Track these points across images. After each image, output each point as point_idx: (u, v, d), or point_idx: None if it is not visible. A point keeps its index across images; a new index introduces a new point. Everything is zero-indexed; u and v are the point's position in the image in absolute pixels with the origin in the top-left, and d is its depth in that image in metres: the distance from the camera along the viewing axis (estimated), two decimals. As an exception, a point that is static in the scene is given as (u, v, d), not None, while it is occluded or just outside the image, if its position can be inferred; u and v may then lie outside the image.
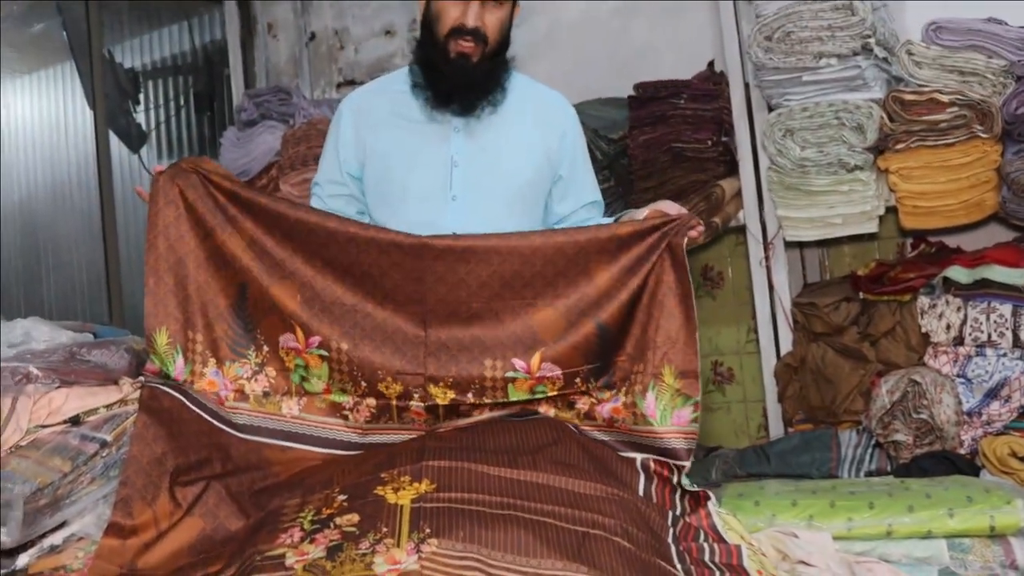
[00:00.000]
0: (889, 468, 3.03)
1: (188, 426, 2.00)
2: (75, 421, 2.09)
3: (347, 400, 2.12)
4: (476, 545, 1.61)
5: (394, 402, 2.10)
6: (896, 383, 3.13)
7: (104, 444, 2.04)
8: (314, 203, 2.45)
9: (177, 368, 2.06)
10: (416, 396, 2.10)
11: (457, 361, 2.01)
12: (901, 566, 2.13)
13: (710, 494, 2.05)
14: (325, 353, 2.11)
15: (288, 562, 1.62)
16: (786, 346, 3.70)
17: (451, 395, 2.04)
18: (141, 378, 2.21)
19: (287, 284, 2.08)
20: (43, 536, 1.96)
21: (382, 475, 1.79)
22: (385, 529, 1.65)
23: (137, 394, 2.17)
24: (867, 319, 3.39)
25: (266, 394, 2.11)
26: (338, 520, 1.69)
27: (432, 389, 2.06)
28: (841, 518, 2.27)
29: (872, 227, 3.44)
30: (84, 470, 1.99)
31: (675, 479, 2.01)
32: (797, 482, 2.67)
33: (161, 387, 2.04)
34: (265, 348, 2.14)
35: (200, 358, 2.07)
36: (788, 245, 3.78)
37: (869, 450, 3.10)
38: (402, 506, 1.71)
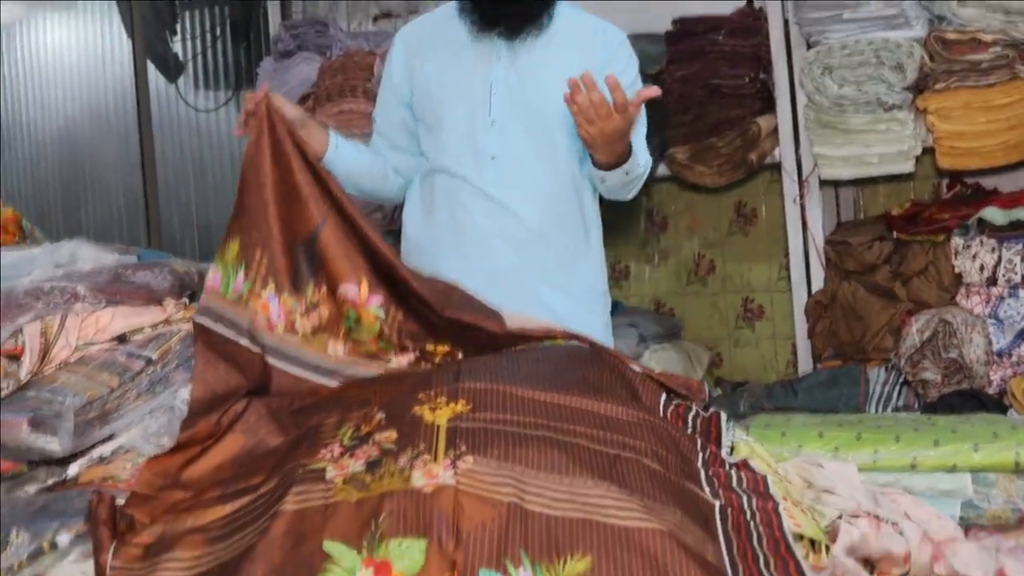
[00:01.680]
0: (916, 406, 3.05)
1: (237, 358, 2.05)
2: (122, 339, 2.15)
3: (392, 352, 2.18)
4: (510, 463, 1.65)
5: (438, 359, 2.17)
6: (927, 322, 3.13)
7: (149, 361, 2.10)
8: (374, 138, 2.49)
9: (237, 282, 2.09)
10: (461, 354, 2.16)
11: None
12: (925, 498, 2.15)
13: (722, 417, 2.09)
14: (382, 315, 2.15)
15: (329, 475, 1.67)
16: (817, 284, 3.71)
17: None
18: (185, 299, 2.26)
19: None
20: (92, 447, 2.02)
21: (419, 395, 1.84)
22: (422, 445, 1.69)
23: (180, 314, 2.23)
24: (899, 258, 3.39)
25: (315, 331, 2.15)
26: (377, 437, 1.74)
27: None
28: (867, 450, 2.29)
29: (908, 167, 3.43)
30: (131, 386, 2.05)
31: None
32: (824, 415, 2.70)
33: (213, 327, 2.07)
34: (324, 289, 2.17)
35: (261, 280, 2.11)
36: (823, 183, 3.78)
37: (897, 387, 3.12)
38: (439, 425, 1.75)
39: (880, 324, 3.31)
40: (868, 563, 1.91)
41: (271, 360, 2.10)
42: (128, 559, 1.69)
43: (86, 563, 1.76)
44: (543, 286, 2.58)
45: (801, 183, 3.71)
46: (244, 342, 2.08)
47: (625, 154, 2.45)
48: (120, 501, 1.83)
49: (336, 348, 2.15)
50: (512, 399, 1.83)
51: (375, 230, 2.20)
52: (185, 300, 2.31)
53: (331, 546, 1.57)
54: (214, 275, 2.11)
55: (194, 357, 2.04)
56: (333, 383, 2.11)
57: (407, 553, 1.55)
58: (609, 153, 2.40)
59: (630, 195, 2.65)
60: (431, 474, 1.63)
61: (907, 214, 3.46)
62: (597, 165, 2.48)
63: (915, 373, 3.07)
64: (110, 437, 2.04)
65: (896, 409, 3.05)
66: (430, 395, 1.83)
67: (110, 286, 2.22)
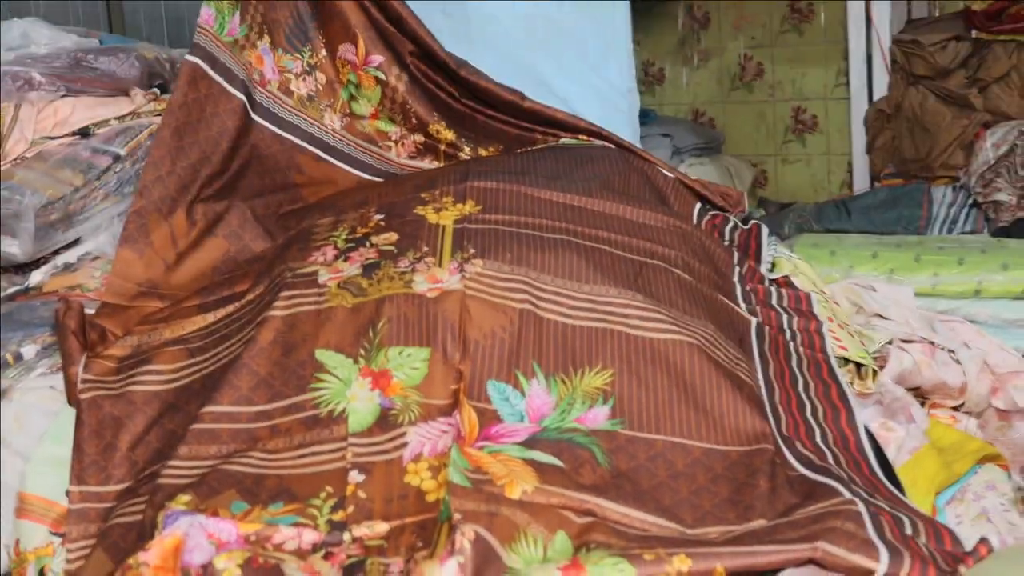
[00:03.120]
0: (986, 231, 3.05)
1: (220, 121, 2.02)
2: (84, 133, 2.15)
3: (394, 130, 2.18)
4: (524, 267, 1.67)
5: (443, 147, 2.16)
6: (1004, 135, 3.10)
7: (117, 158, 2.10)
8: None
9: (232, 24, 2.05)
10: (467, 149, 2.14)
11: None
12: (987, 328, 2.19)
13: (763, 230, 2.10)
14: (382, 76, 2.19)
15: (321, 279, 1.69)
16: (880, 91, 3.66)
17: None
18: (155, 89, 2.25)
19: None
20: (56, 253, 2.05)
21: (422, 195, 1.85)
22: (426, 248, 1.72)
23: (150, 106, 2.22)
24: (978, 62, 3.33)
25: (311, 98, 2.15)
26: (375, 239, 1.76)
27: (482, 151, 2.11)
28: (926, 272, 2.32)
29: (996, -50, 3.32)
30: (97, 185, 2.06)
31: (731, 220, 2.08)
32: (880, 237, 2.71)
33: (204, 67, 2.01)
34: (323, 52, 2.21)
35: (257, 28, 2.10)
36: (895, -28, 3.67)
37: (965, 209, 3.12)
38: (444, 226, 1.76)
39: (950, 137, 3.27)
40: (919, 393, 1.96)
41: (260, 120, 2.09)
42: (101, 372, 1.73)
43: (55, 377, 1.81)
44: (556, 77, 2.55)
45: (868, -28, 3.63)
46: (238, 96, 2.06)
47: None
48: (89, 310, 1.86)
49: (333, 120, 2.15)
50: (527, 200, 1.83)
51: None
52: (155, 91, 2.29)
53: (324, 355, 1.60)
54: (207, 11, 2.06)
55: (168, 110, 1.97)
56: (328, 158, 2.11)
57: (408, 362, 1.58)
58: None
59: None
60: (435, 279, 1.65)
61: (991, 10, 3.37)
62: None
63: (986, 193, 3.06)
64: (75, 242, 2.06)
65: (963, 234, 3.05)
66: (435, 195, 1.84)
67: (69, 73, 2.20)
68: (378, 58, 2.19)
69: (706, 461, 1.52)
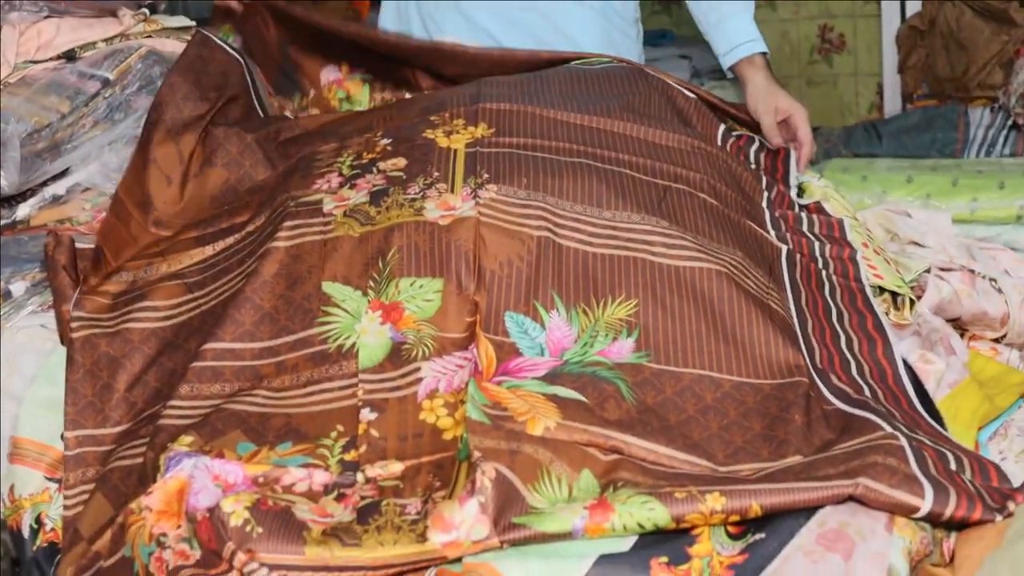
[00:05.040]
0: (1026, 154, 3.03)
1: (232, 67, 2.12)
2: (70, 56, 2.11)
3: None
4: (541, 192, 1.65)
5: None
6: (1046, 52, 3.06)
7: (107, 83, 2.07)
8: None
9: None
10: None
11: None
12: (1030, 255, 2.17)
13: (791, 153, 2.08)
14: (368, 76, 2.30)
15: (326, 208, 1.67)
16: (914, 6, 3.62)
17: None
18: (144, 9, 2.22)
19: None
20: (44, 185, 2.04)
21: (431, 118, 1.82)
22: (437, 173, 1.69)
23: (140, 27, 2.19)
24: (1019, -27, 3.27)
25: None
26: (382, 165, 1.73)
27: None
28: (964, 197, 2.30)
29: None
30: (85, 112, 2.04)
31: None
32: (914, 160, 2.68)
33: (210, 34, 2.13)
34: (311, 92, 2.32)
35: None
36: None
37: (1004, 132, 3.09)
38: (455, 150, 1.73)
39: (989, 55, 3.23)
40: (959, 324, 1.94)
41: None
42: (94, 309, 1.72)
43: (46, 315, 1.80)
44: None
45: None
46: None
47: None
48: (80, 244, 1.85)
49: None
50: (543, 122, 1.80)
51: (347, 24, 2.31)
52: (145, 11, 2.25)
53: (332, 287, 1.59)
54: None
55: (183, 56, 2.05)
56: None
57: (421, 294, 1.56)
58: None
59: None
60: (447, 205, 1.63)
61: (1033, -83, 3.32)
62: None
63: (1027, 114, 3.04)
64: (64, 173, 2.04)
65: (1002, 157, 3.02)
66: (444, 118, 1.81)
67: (52, -8, 2.17)
68: (361, 70, 2.31)
69: (737, 395, 1.50)
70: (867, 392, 1.54)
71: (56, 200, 2.04)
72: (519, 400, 1.46)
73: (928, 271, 1.95)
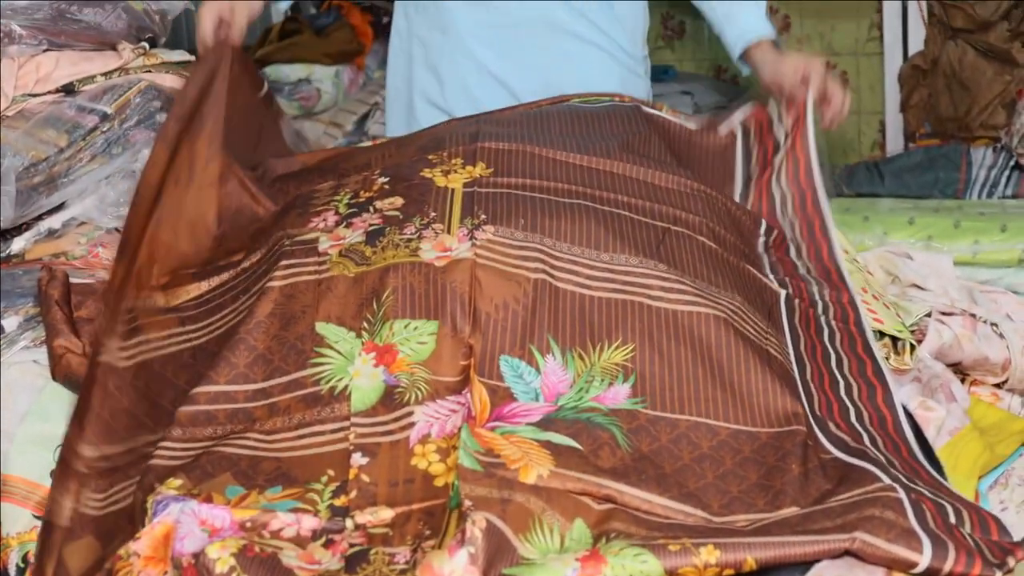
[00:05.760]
0: (1029, 194, 3.03)
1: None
2: (69, 90, 2.11)
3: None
4: (539, 234, 1.64)
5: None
6: (1049, 93, 3.06)
7: (105, 117, 2.07)
8: None
9: None
10: None
11: None
12: (1032, 299, 2.16)
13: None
14: None
15: (322, 247, 1.66)
16: (916, 45, 3.62)
17: None
18: (144, 43, 2.22)
19: None
20: (40, 219, 2.03)
21: (429, 157, 1.81)
22: (434, 214, 1.68)
23: (139, 61, 2.19)
24: (1022, 14, 3.28)
25: None
26: (379, 204, 1.72)
27: None
28: (966, 240, 2.29)
29: None
30: (83, 145, 2.04)
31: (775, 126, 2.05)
32: (916, 201, 2.68)
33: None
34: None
35: None
36: (931, -83, 3.61)
37: (1006, 172, 3.09)
38: (453, 189, 1.72)
39: (991, 95, 3.24)
40: (959, 370, 1.93)
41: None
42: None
43: (39, 350, 1.79)
44: (567, 40, 2.48)
45: (904, -84, 3.59)
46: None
47: None
48: (75, 279, 1.84)
49: None
50: (542, 162, 1.80)
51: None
52: (144, 45, 2.25)
53: (325, 328, 1.57)
54: None
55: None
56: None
57: (415, 336, 1.55)
58: None
59: None
60: (443, 247, 1.62)
61: (1036, -42, 3.33)
62: None
63: (1029, 155, 3.03)
64: (60, 207, 2.04)
65: (1004, 198, 3.02)
66: (442, 157, 1.80)
67: (52, 25, 2.16)
68: None
69: (734, 443, 1.48)
70: (867, 439, 1.52)
71: (51, 234, 2.04)
72: (512, 447, 1.44)
73: (929, 315, 1.94)
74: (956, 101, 3.34)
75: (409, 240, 1.64)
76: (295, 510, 1.41)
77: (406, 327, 1.56)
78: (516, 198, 1.71)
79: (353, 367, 1.54)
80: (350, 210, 1.73)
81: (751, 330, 1.61)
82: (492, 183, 1.74)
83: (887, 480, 1.38)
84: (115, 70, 2.16)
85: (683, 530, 1.33)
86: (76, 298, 1.81)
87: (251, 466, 1.47)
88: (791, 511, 1.36)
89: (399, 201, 1.71)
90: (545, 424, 1.49)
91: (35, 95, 2.11)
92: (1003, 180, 3.09)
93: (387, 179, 1.78)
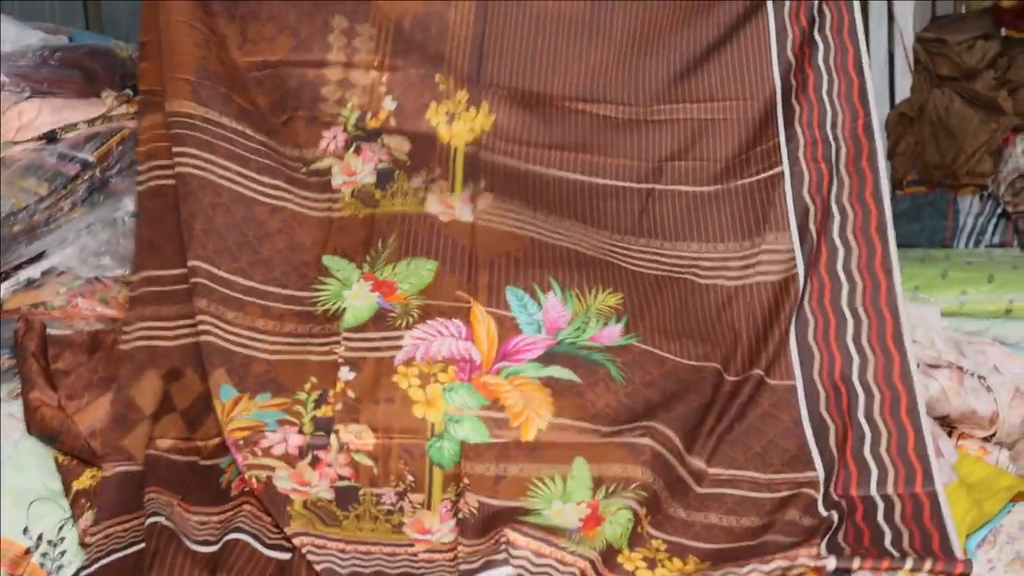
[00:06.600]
0: (1016, 243, 3.02)
1: None
2: (51, 137, 2.11)
3: None
4: (531, 211, 1.82)
5: None
6: (1035, 141, 3.07)
7: (87, 165, 2.07)
8: None
9: None
10: None
11: None
12: (1018, 349, 2.15)
13: None
14: None
15: (335, 182, 1.83)
16: (903, 92, 3.64)
17: None
18: (128, 90, 2.22)
19: None
20: (19, 268, 2.01)
21: (435, 78, 1.88)
22: (438, 171, 1.84)
23: (122, 109, 2.19)
24: (1007, 62, 3.30)
25: None
26: (387, 140, 1.85)
27: None
28: (953, 291, 2.27)
29: (1027, -57, 3.28)
30: (64, 194, 2.03)
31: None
32: (904, 251, 2.67)
33: None
34: None
35: None
36: (917, -34, 3.65)
37: (993, 220, 3.09)
38: (456, 148, 1.86)
39: (978, 143, 3.24)
40: (947, 422, 1.92)
41: None
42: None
43: (14, 403, 1.78)
44: None
45: (890, -35, 3.61)
46: None
47: None
48: (52, 330, 1.83)
49: None
50: (543, 113, 1.89)
51: None
52: (128, 92, 2.25)
53: (331, 260, 1.77)
54: None
55: None
56: None
57: (415, 271, 1.75)
58: None
59: None
60: (447, 203, 1.81)
61: (1021, 7, 3.34)
62: None
63: (1016, 203, 3.03)
64: (40, 256, 2.03)
65: (991, 246, 3.02)
66: (448, 84, 1.88)
67: (35, 72, 2.17)
68: None
69: (714, 379, 1.70)
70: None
71: (31, 283, 2.02)
72: (516, 394, 1.63)
73: (917, 367, 1.93)
74: (943, 149, 3.34)
75: (417, 190, 1.81)
76: (282, 422, 1.60)
77: (408, 265, 1.74)
78: (515, 171, 1.86)
79: (350, 291, 1.73)
80: (357, 132, 1.86)
81: (732, 276, 1.79)
82: (492, 146, 1.87)
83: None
84: (98, 118, 2.16)
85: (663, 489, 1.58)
86: (53, 350, 1.80)
87: (243, 365, 1.65)
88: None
89: (406, 145, 1.86)
90: (547, 358, 1.68)
91: (16, 143, 2.11)
92: (990, 228, 3.09)
93: (394, 108, 1.87)
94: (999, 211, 3.10)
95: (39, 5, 4.67)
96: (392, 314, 1.70)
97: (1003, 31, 3.34)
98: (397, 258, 1.75)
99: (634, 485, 1.56)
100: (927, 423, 1.71)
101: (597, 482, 1.55)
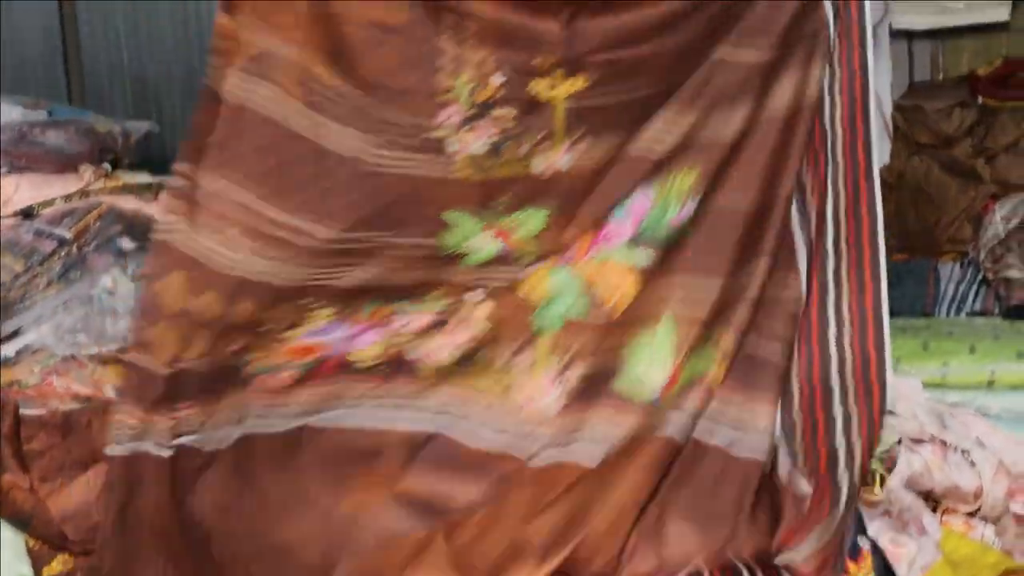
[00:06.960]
0: (997, 310, 3.02)
1: None
2: (28, 213, 2.12)
3: None
4: (625, 148, 1.99)
5: None
6: (1014, 208, 3.09)
7: (63, 242, 2.07)
8: None
9: None
10: None
11: None
12: (1000, 421, 2.14)
13: None
14: None
15: (449, 149, 1.94)
16: (881, 160, 3.65)
17: None
18: (106, 165, 2.22)
19: None
20: (-7, 345, 2.00)
21: (534, 63, 1.98)
22: (542, 133, 1.97)
23: (100, 184, 2.19)
24: (984, 130, 3.33)
25: None
26: (496, 113, 1.97)
27: None
28: (935, 362, 2.28)
29: (1002, 13, 3.32)
30: (40, 271, 2.03)
31: None
32: (884, 319, 2.67)
33: None
34: None
35: None
36: (894, 35, 3.66)
37: (974, 287, 3.09)
38: (555, 106, 1.99)
39: (957, 210, 3.26)
40: (931, 497, 1.91)
41: None
42: None
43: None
44: None
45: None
46: None
47: None
48: (25, 410, 1.81)
49: None
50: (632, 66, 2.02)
51: None
52: (107, 167, 2.26)
53: (451, 215, 1.96)
54: None
55: None
56: None
57: (530, 219, 1.98)
58: None
59: None
60: (550, 161, 1.98)
61: (997, 75, 3.38)
62: None
63: (997, 270, 3.03)
64: (15, 334, 2.02)
65: (972, 314, 3.02)
66: (546, 65, 1.98)
67: (14, 148, 2.19)
68: None
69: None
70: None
71: (5, 361, 2.00)
72: (605, 281, 1.97)
73: (899, 442, 1.93)
74: (922, 215, 3.35)
75: (523, 157, 1.98)
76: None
77: (523, 212, 1.97)
78: (610, 111, 2.00)
79: (474, 239, 1.97)
80: (471, 109, 1.98)
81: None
82: (589, 95, 2.00)
83: None
84: (75, 193, 2.17)
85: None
86: (27, 431, 1.78)
87: (380, 286, 1.94)
88: None
89: (512, 112, 1.99)
90: (633, 242, 1.97)
91: (-6, 219, 2.11)
92: (971, 295, 3.09)
93: (502, 81, 1.98)
94: (980, 277, 3.11)
95: (20, 78, 4.69)
96: (514, 255, 1.97)
97: (980, 99, 3.37)
98: (510, 212, 1.96)
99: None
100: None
101: (679, 348, 1.92)
